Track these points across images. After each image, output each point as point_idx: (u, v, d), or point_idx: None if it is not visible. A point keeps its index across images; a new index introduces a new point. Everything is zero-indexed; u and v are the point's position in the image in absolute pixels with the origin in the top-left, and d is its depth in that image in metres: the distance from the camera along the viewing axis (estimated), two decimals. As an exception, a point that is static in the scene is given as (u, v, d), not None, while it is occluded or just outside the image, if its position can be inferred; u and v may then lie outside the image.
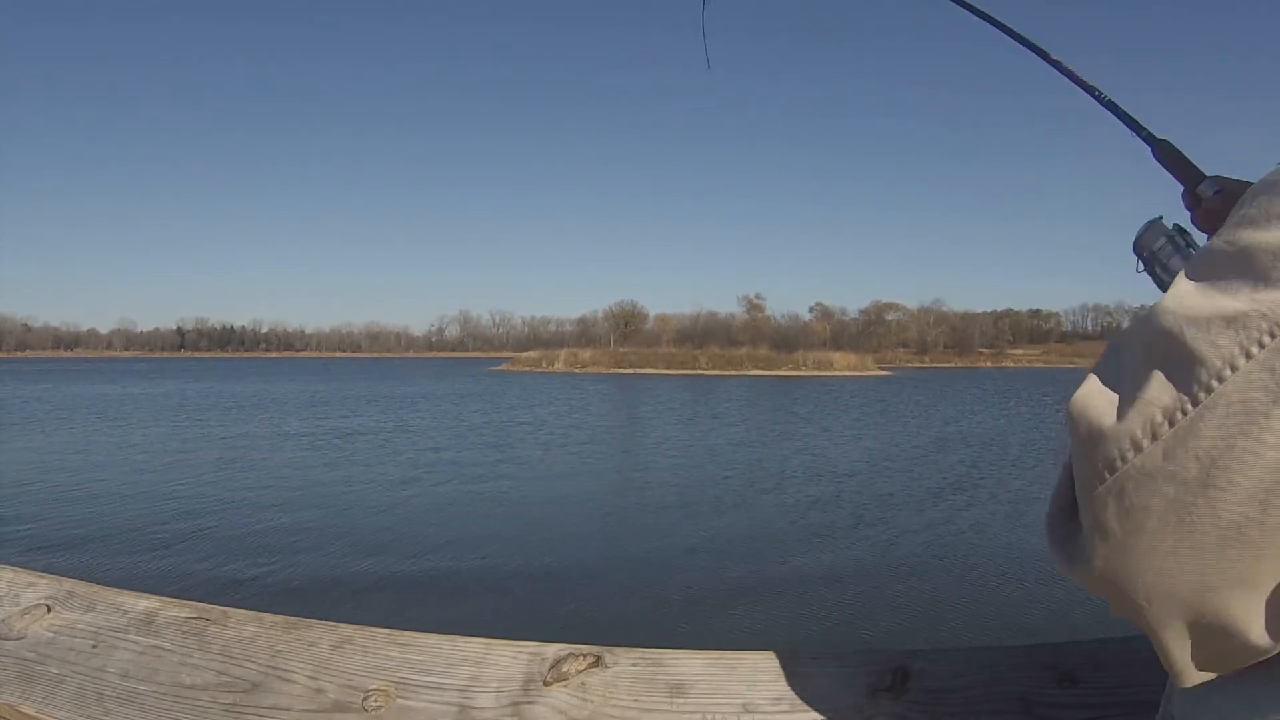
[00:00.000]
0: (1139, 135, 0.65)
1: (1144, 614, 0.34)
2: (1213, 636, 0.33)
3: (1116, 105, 0.67)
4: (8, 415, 23.50)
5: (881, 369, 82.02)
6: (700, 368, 76.17)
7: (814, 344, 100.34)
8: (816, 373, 72.28)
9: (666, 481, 12.28)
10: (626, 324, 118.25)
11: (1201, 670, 0.35)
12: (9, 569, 0.75)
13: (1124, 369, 0.34)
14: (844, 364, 78.61)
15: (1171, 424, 0.30)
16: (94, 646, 0.66)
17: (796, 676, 0.57)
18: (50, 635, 0.67)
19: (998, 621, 5.87)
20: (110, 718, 0.60)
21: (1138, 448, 0.31)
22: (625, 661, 0.59)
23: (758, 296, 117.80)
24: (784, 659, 0.58)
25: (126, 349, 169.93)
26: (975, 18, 0.80)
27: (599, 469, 13.74)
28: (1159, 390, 0.31)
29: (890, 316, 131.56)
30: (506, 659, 0.60)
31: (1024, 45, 0.76)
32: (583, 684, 0.57)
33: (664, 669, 0.58)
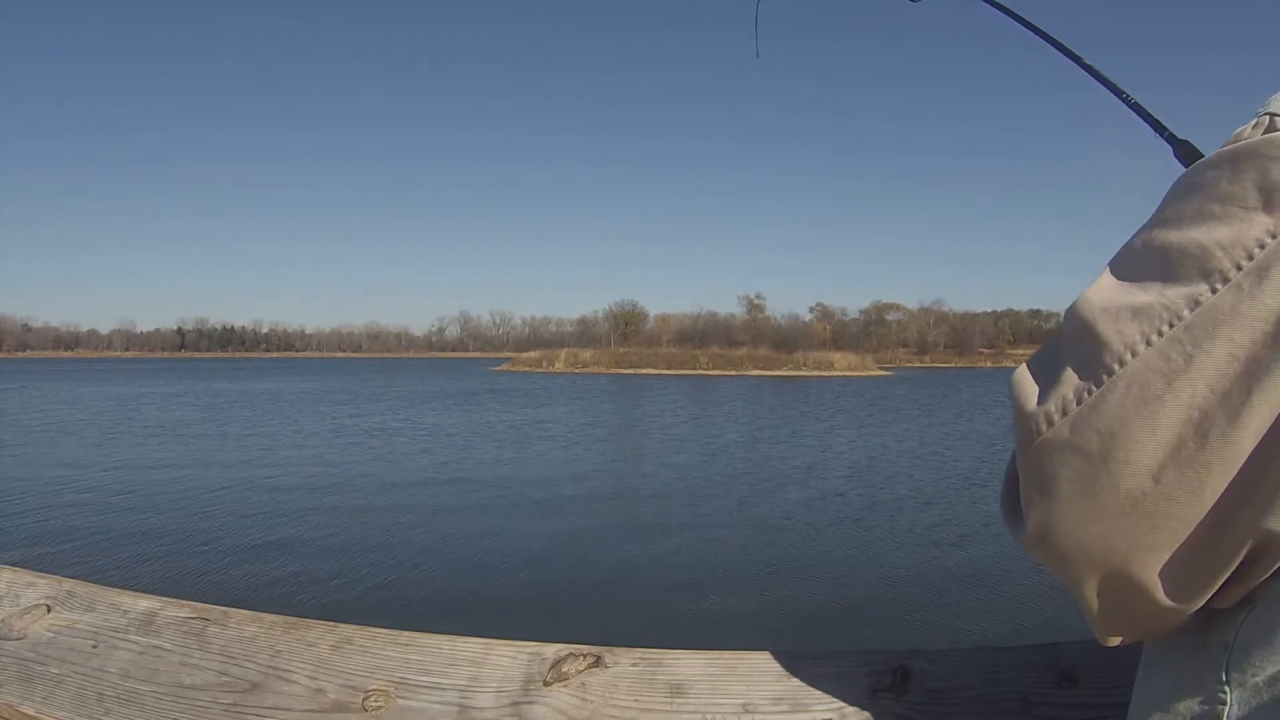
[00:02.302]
0: (1161, 135, 0.65)
1: (1067, 575, 0.38)
2: (1122, 598, 0.37)
3: (1141, 106, 0.68)
4: (32, 419, 23.52)
5: (882, 369, 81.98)
6: (700, 368, 76.13)
7: (814, 344, 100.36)
8: (817, 373, 72.24)
9: (667, 481, 12.28)
10: (626, 324, 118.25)
11: (1119, 631, 0.39)
12: (9, 569, 0.75)
13: (1051, 353, 0.38)
14: (844, 364, 78.59)
15: (1079, 402, 0.34)
16: (94, 646, 0.66)
17: (796, 676, 0.57)
18: (50, 635, 0.67)
19: (998, 621, 5.87)
20: (110, 718, 0.60)
21: (1050, 422, 0.35)
22: (625, 661, 0.59)
23: (758, 296, 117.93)
24: (784, 659, 0.58)
25: (126, 349, 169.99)
26: (1002, 15, 0.80)
27: (598, 468, 13.74)
28: (1072, 372, 0.35)
29: (890, 316, 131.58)
30: (506, 659, 0.60)
31: (1048, 42, 0.76)
32: (583, 684, 0.57)
33: (664, 669, 0.58)
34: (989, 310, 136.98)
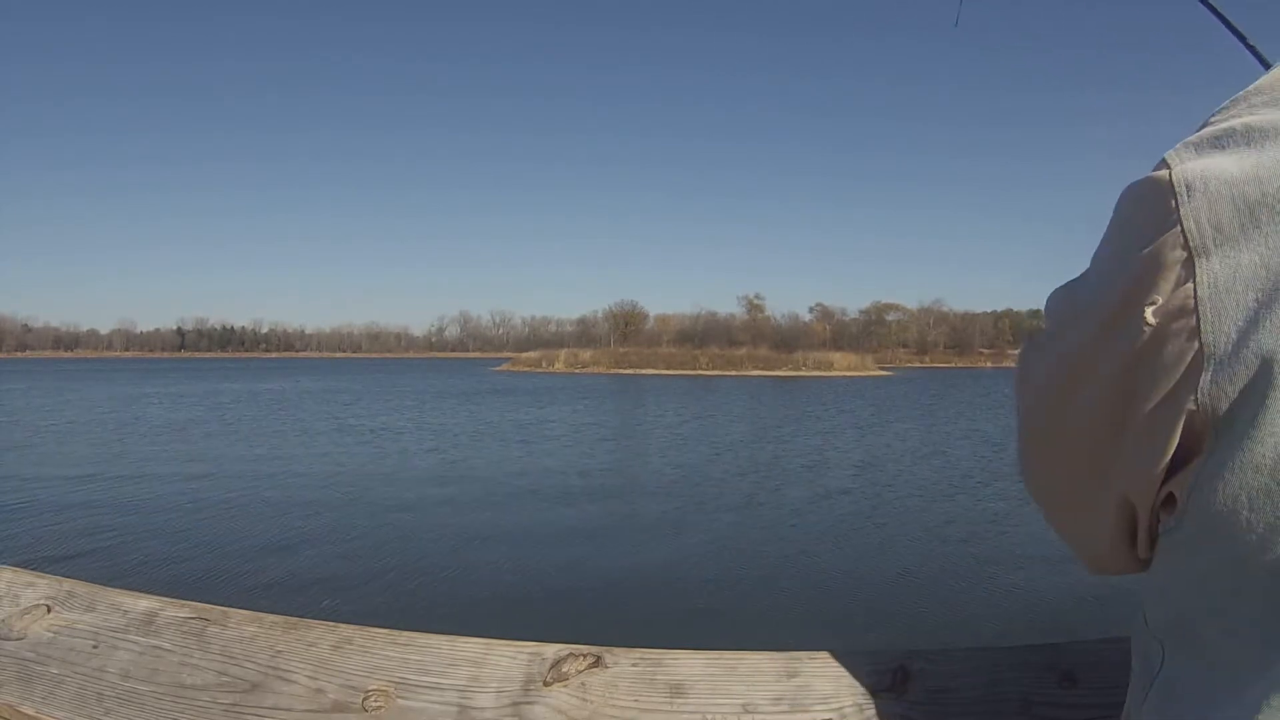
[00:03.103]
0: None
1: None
2: (1055, 529, 0.47)
3: (1244, 35, 0.68)
4: (39, 419, 23.52)
5: (882, 369, 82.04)
6: (700, 368, 76.17)
7: (814, 344, 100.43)
8: (816, 373, 72.27)
9: (667, 481, 12.28)
10: (626, 324, 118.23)
11: (1090, 563, 0.47)
12: (9, 569, 0.75)
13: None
14: (844, 364, 78.63)
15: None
16: (94, 646, 0.65)
17: (796, 676, 0.57)
18: (50, 635, 0.67)
19: (998, 621, 5.87)
20: (110, 718, 0.60)
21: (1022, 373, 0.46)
22: (625, 662, 0.59)
23: (758, 296, 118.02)
24: (784, 659, 0.58)
25: (126, 349, 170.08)
26: None
27: (599, 468, 13.75)
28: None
29: (890, 316, 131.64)
30: (506, 659, 0.60)
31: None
32: (583, 684, 0.57)
33: (664, 669, 0.58)
34: (989, 310, 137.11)
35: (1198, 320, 0.33)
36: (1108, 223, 0.41)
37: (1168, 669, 0.39)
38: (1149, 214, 0.36)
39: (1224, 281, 0.33)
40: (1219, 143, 0.35)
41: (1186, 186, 0.34)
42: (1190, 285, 0.33)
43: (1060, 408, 0.41)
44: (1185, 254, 0.34)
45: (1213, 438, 0.34)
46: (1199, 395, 0.34)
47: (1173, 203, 0.34)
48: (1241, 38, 0.67)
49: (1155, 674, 0.40)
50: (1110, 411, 0.38)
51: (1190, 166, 0.35)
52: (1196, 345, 0.33)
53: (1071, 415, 0.40)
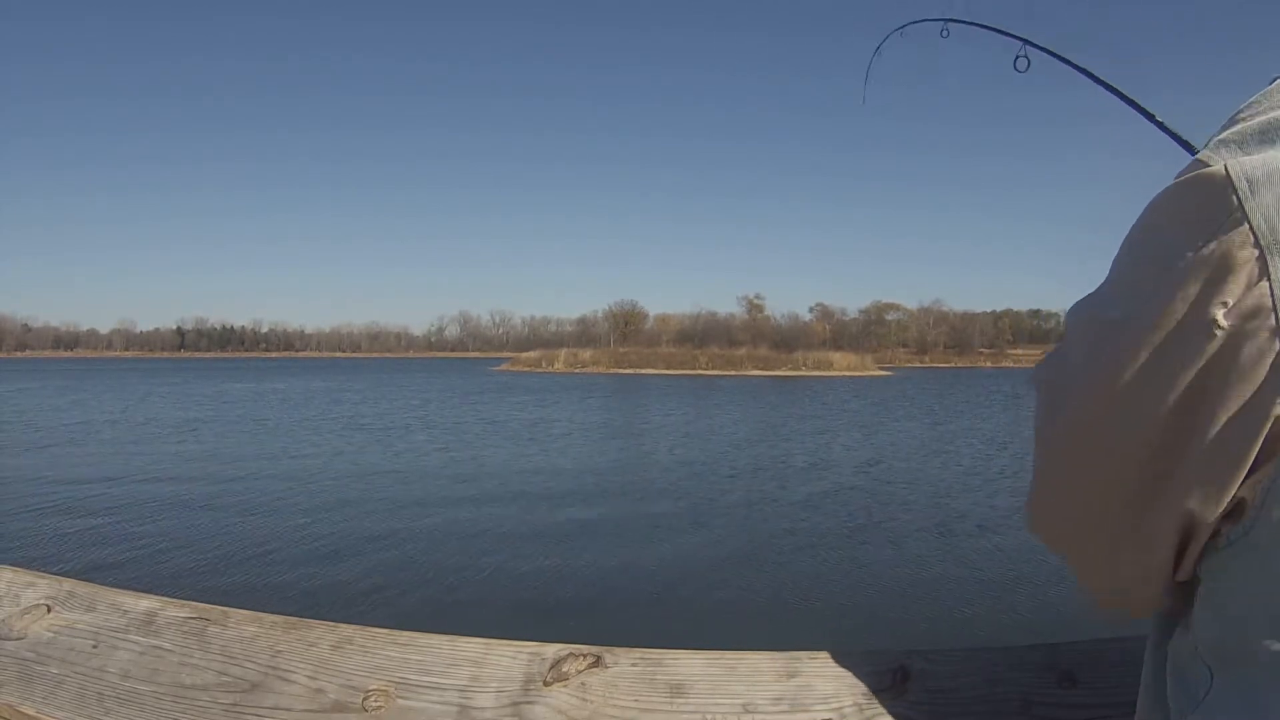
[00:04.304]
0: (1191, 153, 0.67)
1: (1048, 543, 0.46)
2: (1087, 566, 0.45)
3: (1166, 126, 0.69)
4: (47, 418, 23.52)
5: (881, 369, 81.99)
6: (700, 368, 76.13)
7: (814, 344, 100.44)
8: (816, 373, 72.22)
9: (666, 481, 12.27)
10: (626, 324, 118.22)
11: (1106, 604, 0.45)
12: (9, 569, 0.75)
13: None
14: (844, 364, 78.55)
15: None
16: (94, 646, 0.65)
17: (796, 676, 0.57)
18: (50, 635, 0.67)
19: (998, 621, 5.86)
20: (110, 718, 0.60)
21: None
22: (625, 661, 0.59)
23: (758, 296, 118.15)
24: (784, 659, 0.58)
25: (127, 349, 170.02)
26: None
27: (600, 467, 13.74)
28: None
29: (890, 316, 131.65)
30: (506, 659, 0.60)
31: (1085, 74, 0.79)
32: (583, 684, 0.57)
33: (664, 669, 0.58)
34: (989, 310, 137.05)
35: (1276, 320, 0.32)
36: (1139, 228, 0.39)
37: (1219, 691, 0.37)
38: (1205, 213, 0.34)
39: None
40: (1268, 137, 0.34)
41: (1248, 181, 0.33)
42: (1265, 284, 0.32)
43: (1104, 432, 0.38)
44: (1257, 251, 0.32)
45: None
46: None
47: (1235, 199, 0.33)
48: (1160, 124, 0.68)
49: (1201, 697, 0.38)
50: (1175, 424, 0.36)
51: (1247, 162, 0.34)
52: (1278, 346, 0.32)
53: (1119, 437, 0.38)
